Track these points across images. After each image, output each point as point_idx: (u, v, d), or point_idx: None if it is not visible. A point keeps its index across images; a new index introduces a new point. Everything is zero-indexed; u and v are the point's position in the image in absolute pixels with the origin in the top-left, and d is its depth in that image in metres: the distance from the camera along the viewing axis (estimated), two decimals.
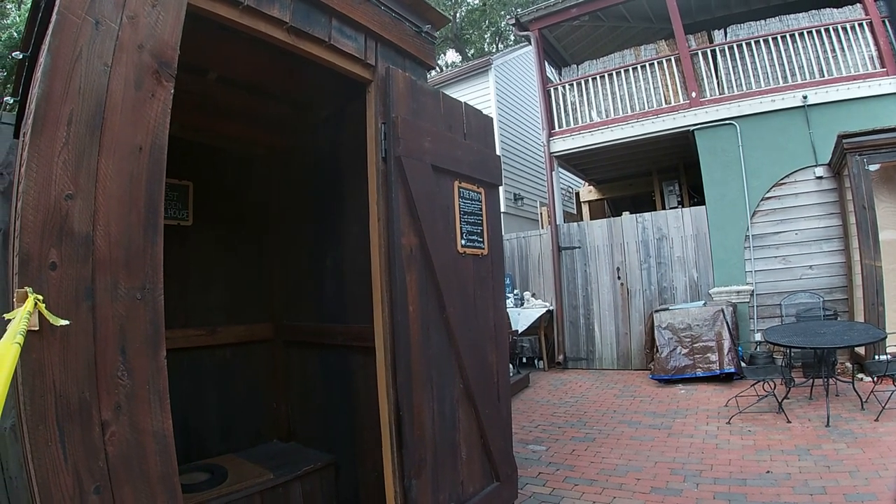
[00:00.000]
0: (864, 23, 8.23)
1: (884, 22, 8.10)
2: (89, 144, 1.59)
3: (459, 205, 3.21)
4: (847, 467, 4.12)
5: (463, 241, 3.20)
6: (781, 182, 8.25)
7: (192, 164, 3.80)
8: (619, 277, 9.52)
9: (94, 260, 1.56)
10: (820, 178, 8.01)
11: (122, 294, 1.61)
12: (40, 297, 1.41)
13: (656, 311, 8.44)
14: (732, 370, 7.31)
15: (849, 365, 6.91)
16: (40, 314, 1.38)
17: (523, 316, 9.64)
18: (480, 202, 3.42)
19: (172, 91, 1.84)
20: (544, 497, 4.13)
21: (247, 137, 4.09)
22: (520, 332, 9.48)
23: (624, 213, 10.01)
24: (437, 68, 19.53)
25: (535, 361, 10.00)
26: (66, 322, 1.42)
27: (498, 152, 3.78)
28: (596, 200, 14.07)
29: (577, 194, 14.52)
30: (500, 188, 3.71)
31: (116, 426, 1.55)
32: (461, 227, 3.20)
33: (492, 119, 3.79)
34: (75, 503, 1.44)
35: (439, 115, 3.17)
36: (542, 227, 12.21)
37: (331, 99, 3.66)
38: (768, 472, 4.21)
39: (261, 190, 4.26)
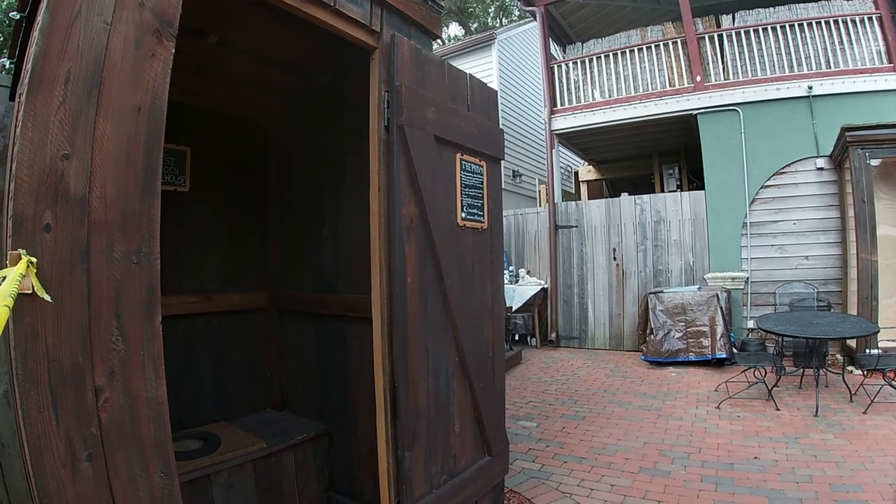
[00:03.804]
0: (873, 17, 8.16)
1: (893, 17, 8.03)
2: (87, 104, 1.54)
3: (461, 177, 3.17)
4: (834, 457, 4.18)
5: (463, 214, 3.16)
6: (782, 171, 8.25)
7: (190, 130, 3.72)
8: (614, 258, 9.53)
9: (90, 222, 1.52)
10: (821, 169, 8.00)
11: (117, 257, 1.57)
12: (34, 260, 1.37)
13: (651, 293, 8.46)
14: (724, 356, 7.37)
15: (839, 357, 6.97)
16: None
17: (518, 293, 9.66)
18: (482, 175, 3.37)
19: (173, 51, 1.78)
20: (534, 473, 4.18)
21: (247, 104, 4.01)
22: (514, 309, 9.51)
23: (622, 194, 9.99)
24: (440, 41, 19.29)
25: (528, 339, 10.05)
26: (49, 298, 1.38)
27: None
28: (595, 180, 14.02)
29: (576, 173, 14.47)
30: (502, 163, 3.66)
31: (110, 392, 1.53)
32: (462, 200, 3.16)
33: (496, 92, 3.72)
34: (67, 470, 1.42)
35: (443, 85, 3.10)
36: (540, 205, 12.19)
37: (333, 66, 3.58)
38: (756, 457, 4.26)
39: (260, 157, 4.19)
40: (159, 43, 1.73)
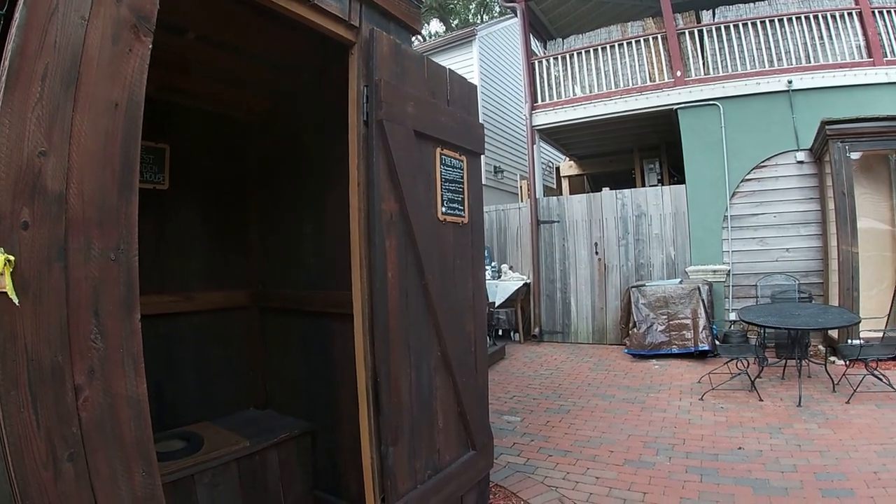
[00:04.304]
0: (853, 12, 8.28)
1: (873, 13, 8.15)
2: (64, 100, 1.51)
3: (441, 171, 3.16)
4: (818, 447, 4.23)
5: (443, 209, 3.16)
6: (762, 165, 8.34)
7: (169, 127, 3.67)
8: (596, 253, 9.58)
9: (68, 219, 1.50)
10: (801, 162, 8.10)
11: (95, 255, 1.55)
12: (11, 258, 1.35)
13: (633, 286, 8.52)
14: (707, 348, 7.45)
15: (821, 348, 7.07)
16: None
17: (500, 288, 9.67)
18: (462, 170, 3.38)
19: (150, 46, 1.75)
20: (519, 467, 4.19)
21: (227, 100, 3.96)
22: (497, 304, 9.52)
23: (604, 188, 10.03)
24: (420, 37, 19.24)
25: (511, 334, 10.08)
26: (17, 301, 1.36)
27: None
28: (576, 175, 14.07)
29: (558, 169, 14.51)
30: (482, 157, 3.67)
31: (90, 391, 1.51)
32: (442, 195, 3.16)
33: (476, 87, 3.72)
34: (49, 471, 1.40)
35: (423, 80, 3.10)
36: (522, 201, 12.20)
37: (313, 61, 3.56)
38: (740, 448, 4.31)
39: (240, 154, 4.15)
40: (136, 38, 1.71)
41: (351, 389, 2.81)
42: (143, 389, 1.66)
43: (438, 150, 3.16)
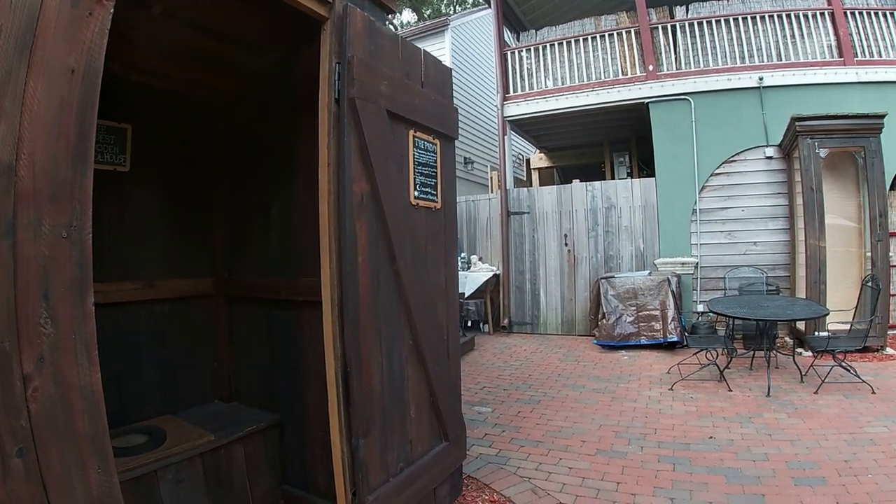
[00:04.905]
0: (825, 12, 8.41)
1: (845, 13, 8.30)
2: (17, 64, 1.39)
3: (414, 154, 3.08)
4: (788, 436, 4.28)
5: (416, 193, 3.07)
6: (731, 159, 8.44)
7: (132, 106, 3.49)
8: (566, 244, 9.59)
9: (17, 192, 1.37)
10: (770, 158, 8.22)
11: (46, 231, 1.42)
12: None
13: (603, 278, 8.55)
14: (676, 339, 7.52)
15: (788, 340, 7.19)
16: None
17: (470, 279, 9.63)
18: (435, 154, 3.29)
19: (112, 10, 1.63)
20: (491, 458, 4.14)
21: (194, 80, 3.78)
22: (466, 295, 9.47)
23: (574, 181, 10.03)
24: (392, 25, 19.03)
25: (481, 325, 10.05)
26: None
27: None
28: (546, 168, 14.10)
29: (528, 161, 14.53)
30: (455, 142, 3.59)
31: (39, 380, 1.38)
32: (415, 178, 3.08)
33: (451, 70, 3.64)
34: None
35: (397, 60, 3.00)
36: (492, 192, 12.19)
37: (284, 41, 3.41)
38: (711, 437, 4.34)
39: (206, 136, 3.97)
40: (97, 1, 1.59)
41: (320, 381, 2.70)
42: (97, 379, 1.54)
43: (412, 132, 3.08)
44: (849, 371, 5.32)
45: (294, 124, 3.46)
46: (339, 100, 2.60)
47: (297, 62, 3.44)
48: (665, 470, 3.80)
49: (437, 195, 3.29)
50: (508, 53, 10.49)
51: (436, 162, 3.30)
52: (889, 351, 6.59)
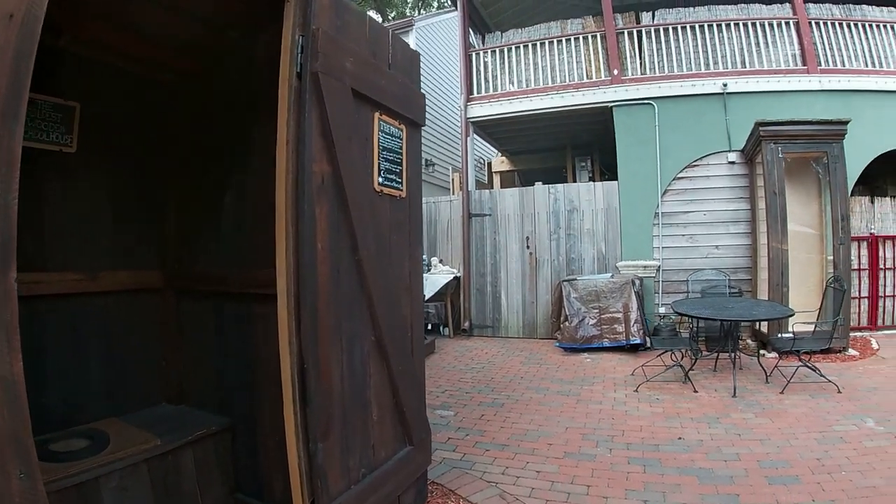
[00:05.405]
0: (790, 21, 8.62)
1: (810, 23, 8.50)
2: None
3: (379, 139, 2.91)
4: (757, 435, 4.25)
5: (380, 179, 2.90)
6: (694, 164, 8.53)
7: (82, 84, 3.23)
8: (528, 247, 9.52)
9: None
10: (732, 163, 8.34)
11: None
12: None
13: (565, 280, 8.51)
14: (638, 341, 7.50)
15: (750, 342, 7.25)
16: None
17: (430, 282, 9.45)
18: (401, 140, 3.14)
19: None
20: (456, 463, 3.98)
21: (147, 58, 3.49)
22: (426, 298, 9.28)
23: (536, 183, 9.98)
24: None
25: (441, 328, 9.88)
26: None
27: None
28: (507, 171, 14.08)
29: (489, 164, 14.49)
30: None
31: None
32: (379, 164, 2.91)
33: (419, 54, 3.50)
34: None
35: (364, 37, 2.83)
36: (453, 194, 12.06)
37: (243, 19, 3.21)
38: (680, 438, 4.28)
39: (159, 118, 3.69)
40: None
41: (276, 381, 2.46)
42: (18, 368, 1.32)
43: (377, 114, 2.92)
44: (814, 371, 5.36)
45: (253, 110, 3.24)
46: (301, 74, 2.40)
47: (257, 44, 3.24)
48: (636, 472, 3.71)
49: (402, 183, 3.13)
50: (473, 55, 10.42)
51: (401, 148, 3.14)
52: (852, 352, 6.71)
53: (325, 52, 2.44)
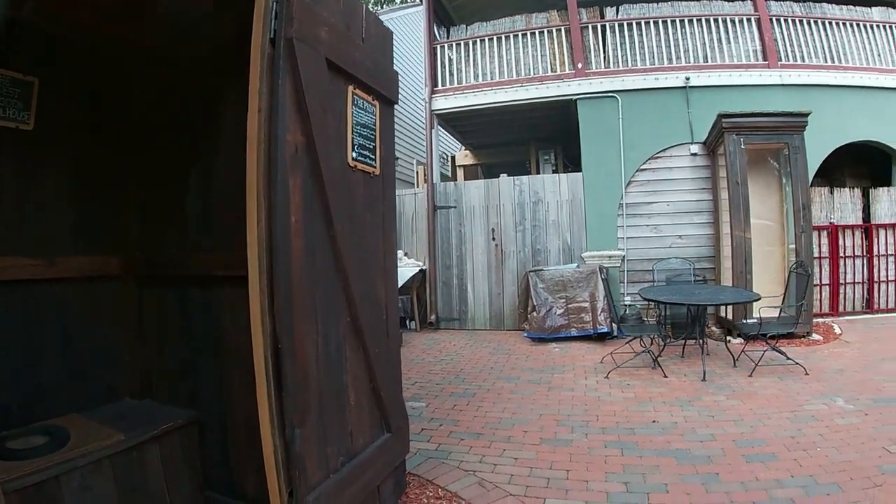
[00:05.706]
0: (752, 18, 8.85)
1: (771, 20, 8.73)
2: None
3: (353, 113, 2.83)
4: (730, 417, 4.31)
5: (354, 154, 2.81)
6: (657, 155, 8.67)
7: (43, 58, 3.06)
8: (493, 239, 9.51)
9: None
10: (694, 154, 8.52)
11: None
12: None
13: (532, 271, 8.54)
14: (606, 330, 7.58)
15: (715, 329, 7.40)
16: None
17: None
18: (374, 115, 3.06)
19: None
20: (431, 453, 3.91)
21: (113, 32, 3.30)
22: None
23: (501, 175, 9.96)
24: None
25: (407, 322, 9.78)
26: None
27: None
28: (471, 165, 14.06)
29: (453, 158, 14.44)
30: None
31: None
32: (353, 139, 2.82)
33: (392, 32, 3.42)
34: None
35: (338, 9, 2.74)
36: (418, 187, 11.96)
37: None
38: (654, 421, 4.32)
39: (122, 94, 3.49)
40: None
41: (245, 369, 2.33)
42: None
43: (351, 88, 2.83)
44: (781, 354, 5.48)
45: (222, 86, 3.11)
46: (274, 40, 2.27)
47: (225, 17, 3.09)
48: (613, 455, 3.72)
49: (375, 160, 3.06)
50: (438, 48, 10.35)
51: (375, 124, 3.07)
52: (815, 336, 6.92)
53: (300, 19, 2.33)
